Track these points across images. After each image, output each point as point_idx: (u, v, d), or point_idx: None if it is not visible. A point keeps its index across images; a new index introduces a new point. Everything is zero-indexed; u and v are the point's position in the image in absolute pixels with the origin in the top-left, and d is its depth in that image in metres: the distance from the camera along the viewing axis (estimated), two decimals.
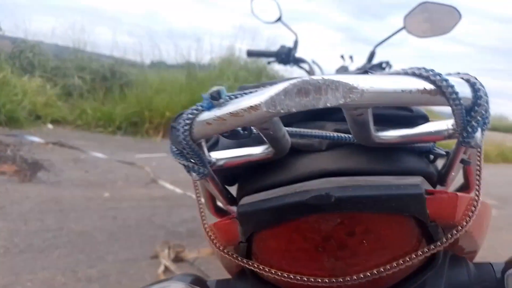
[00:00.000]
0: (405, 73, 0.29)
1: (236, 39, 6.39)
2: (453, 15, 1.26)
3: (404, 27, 1.36)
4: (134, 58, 6.36)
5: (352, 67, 1.54)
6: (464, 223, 0.37)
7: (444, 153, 0.47)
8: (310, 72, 1.60)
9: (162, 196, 2.86)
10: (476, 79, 0.30)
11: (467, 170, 0.52)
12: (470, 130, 0.31)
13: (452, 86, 0.28)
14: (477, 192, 0.38)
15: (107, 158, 3.65)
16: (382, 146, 0.41)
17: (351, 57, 1.60)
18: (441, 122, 0.42)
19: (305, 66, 1.62)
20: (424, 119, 0.44)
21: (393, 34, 1.41)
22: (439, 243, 0.36)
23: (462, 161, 0.45)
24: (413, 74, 0.29)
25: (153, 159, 3.76)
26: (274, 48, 1.69)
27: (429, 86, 0.28)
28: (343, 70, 1.53)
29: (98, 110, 4.95)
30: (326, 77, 0.27)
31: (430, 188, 0.42)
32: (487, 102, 0.30)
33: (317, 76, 0.28)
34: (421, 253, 0.36)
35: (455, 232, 0.36)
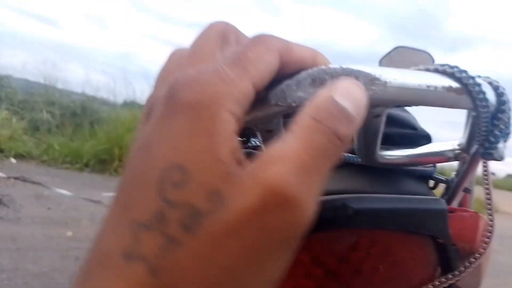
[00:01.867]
0: (427, 69, 0.26)
1: None
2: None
3: None
4: (107, 96, 6.29)
5: None
6: (482, 250, 0.32)
7: (445, 179, 0.45)
8: None
9: None
10: (498, 82, 0.28)
11: (464, 198, 0.50)
12: (492, 139, 0.28)
13: (479, 85, 0.25)
14: (490, 216, 0.35)
15: (72, 195, 3.48)
16: (385, 166, 0.39)
17: None
18: (446, 143, 0.40)
19: None
20: (427, 139, 0.43)
21: None
22: (457, 272, 0.32)
23: (464, 189, 0.43)
24: (437, 71, 0.26)
25: None
26: None
27: (455, 84, 0.25)
28: None
29: (66, 146, 4.79)
30: (345, 66, 0.24)
31: None
32: (510, 109, 0.28)
33: (335, 65, 0.24)
34: (438, 283, 0.32)
35: (474, 260, 0.32)
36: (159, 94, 0.21)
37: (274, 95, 0.24)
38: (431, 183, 0.47)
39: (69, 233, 2.60)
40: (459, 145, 0.39)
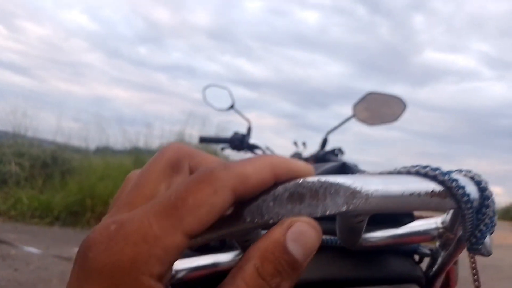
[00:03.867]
0: (408, 172, 0.25)
1: (186, 125, 6.44)
2: (399, 105, 1.33)
3: (353, 115, 1.41)
4: (79, 143, 6.16)
5: (306, 153, 1.56)
6: None
7: (429, 252, 0.43)
8: None
9: None
10: (480, 176, 0.27)
11: (450, 269, 0.49)
12: (479, 235, 0.27)
13: (462, 187, 0.24)
14: None
15: (42, 253, 3.29)
16: (368, 249, 0.38)
17: (304, 144, 1.62)
18: (429, 221, 0.39)
19: (259, 152, 1.61)
20: (409, 216, 0.41)
21: (343, 122, 1.45)
22: None
23: None
24: (418, 174, 0.25)
25: None
26: (224, 134, 1.69)
27: (438, 188, 0.24)
28: (297, 156, 1.53)
29: (35, 199, 4.60)
30: (323, 179, 0.22)
31: None
32: (493, 202, 0.27)
33: (313, 177, 0.22)
34: None
35: None
36: (95, 235, 0.19)
37: (249, 212, 0.22)
38: (416, 257, 0.45)
39: None
40: (442, 223, 0.38)
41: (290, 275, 0.19)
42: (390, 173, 0.25)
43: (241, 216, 0.22)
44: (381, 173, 0.25)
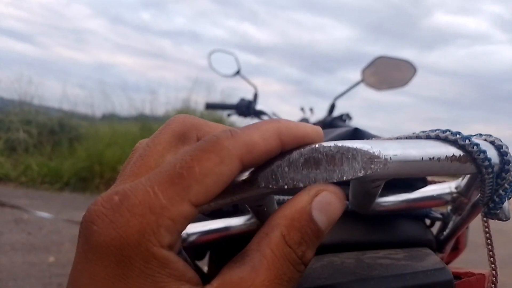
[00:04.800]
0: (428, 136, 0.24)
1: (192, 92, 6.40)
2: (409, 69, 1.30)
3: (362, 80, 1.39)
4: (85, 111, 6.17)
5: (313, 119, 1.55)
6: None
7: (441, 216, 0.44)
8: None
9: None
10: (501, 141, 0.26)
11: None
12: (497, 199, 0.27)
13: (484, 152, 0.24)
14: (494, 272, 0.34)
15: (53, 217, 3.38)
16: (381, 213, 0.38)
17: (311, 110, 1.60)
18: (443, 185, 0.39)
19: (266, 118, 1.60)
20: (422, 181, 0.41)
21: (352, 87, 1.43)
22: None
23: None
24: (438, 138, 0.24)
25: None
26: (230, 100, 1.68)
27: (458, 152, 0.23)
28: (304, 122, 1.52)
29: (45, 166, 4.66)
30: (340, 144, 0.21)
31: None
32: None
33: (329, 142, 0.21)
34: None
35: None
36: (99, 207, 0.18)
37: (263, 177, 0.21)
38: (427, 221, 0.46)
39: (51, 259, 2.51)
40: (456, 188, 0.37)
41: (314, 243, 0.19)
42: (409, 137, 0.25)
43: (255, 182, 0.21)
44: (399, 138, 0.25)
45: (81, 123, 5.77)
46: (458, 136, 0.24)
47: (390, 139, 0.24)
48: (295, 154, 0.21)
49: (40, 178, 4.54)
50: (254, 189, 0.21)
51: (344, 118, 1.42)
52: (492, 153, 0.24)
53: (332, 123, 1.39)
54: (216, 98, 6.23)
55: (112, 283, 0.17)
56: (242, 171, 0.20)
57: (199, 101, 6.36)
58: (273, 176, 0.21)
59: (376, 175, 0.21)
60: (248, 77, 1.66)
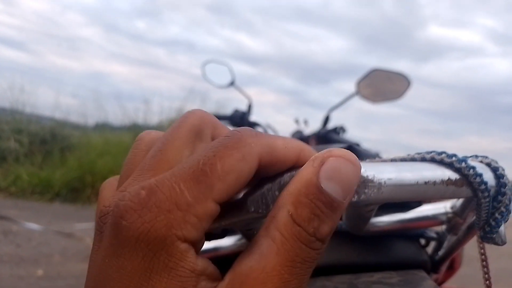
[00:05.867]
0: (423, 159, 0.24)
1: (186, 101, 6.39)
2: (403, 82, 1.30)
3: (357, 93, 1.39)
4: (78, 119, 6.14)
5: (307, 131, 1.54)
6: None
7: (436, 236, 0.43)
8: None
9: None
10: (496, 162, 0.26)
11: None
12: (494, 223, 0.26)
13: (480, 175, 0.23)
14: None
15: (43, 229, 3.32)
16: (375, 234, 0.37)
17: (305, 122, 1.60)
18: (438, 205, 0.38)
19: (260, 130, 1.59)
20: (417, 201, 0.40)
21: (346, 99, 1.43)
22: None
23: None
24: (433, 161, 0.23)
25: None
26: (224, 110, 1.67)
27: (454, 176, 0.23)
28: (298, 134, 1.52)
29: (35, 176, 4.61)
30: None
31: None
32: (510, 190, 0.26)
33: None
34: None
35: None
36: (112, 205, 0.18)
37: (253, 201, 0.21)
38: (422, 240, 0.45)
39: (40, 272, 2.46)
40: (452, 208, 0.37)
41: (330, 216, 0.18)
42: (404, 159, 0.24)
43: (245, 206, 0.21)
44: (393, 160, 0.24)
45: (73, 132, 5.73)
46: (454, 158, 0.23)
47: (385, 160, 0.24)
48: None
49: (31, 188, 4.49)
50: (243, 213, 0.21)
51: (338, 130, 1.42)
52: (488, 176, 0.24)
53: (326, 135, 1.39)
54: (211, 108, 6.23)
55: (138, 276, 0.17)
56: (258, 171, 0.19)
57: None
58: (263, 200, 0.20)
59: (370, 199, 0.20)
60: (243, 88, 1.65)
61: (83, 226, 3.52)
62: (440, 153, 0.23)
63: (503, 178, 0.25)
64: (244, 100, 1.64)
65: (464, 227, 0.36)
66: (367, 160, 0.24)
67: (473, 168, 0.23)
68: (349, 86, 1.41)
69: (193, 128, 0.22)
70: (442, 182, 0.22)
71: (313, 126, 1.55)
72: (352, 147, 0.43)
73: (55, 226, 3.42)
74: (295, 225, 0.18)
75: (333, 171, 0.18)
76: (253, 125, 1.57)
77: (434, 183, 0.22)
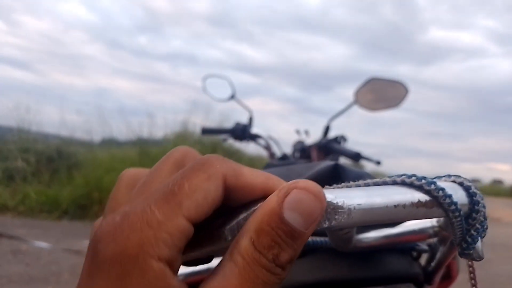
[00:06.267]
0: (394, 182, 0.25)
1: (190, 114, 6.43)
2: (401, 89, 1.31)
3: (355, 102, 1.40)
4: (83, 136, 6.18)
5: (308, 141, 1.55)
6: None
7: (427, 248, 0.43)
8: (267, 148, 1.58)
9: None
10: (469, 181, 0.26)
11: (450, 263, 0.49)
12: (470, 240, 0.27)
13: (450, 196, 0.24)
14: None
15: (52, 247, 3.34)
16: (363, 250, 0.38)
17: (306, 132, 1.61)
18: (425, 220, 0.39)
19: (261, 141, 1.61)
20: None
21: (345, 109, 1.44)
22: None
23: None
24: (404, 184, 0.24)
25: None
26: (228, 122, 1.69)
27: (424, 198, 0.24)
28: (299, 145, 1.52)
29: (43, 194, 4.63)
30: None
31: None
32: (484, 207, 0.27)
33: None
34: None
35: None
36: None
37: (230, 230, 0.22)
38: (414, 253, 0.45)
39: None
40: (438, 221, 0.38)
41: (291, 244, 0.19)
42: (376, 183, 0.25)
43: (222, 235, 0.22)
44: (366, 184, 0.25)
45: (79, 149, 5.77)
46: (423, 181, 0.24)
47: (359, 184, 0.24)
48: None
49: (39, 206, 4.51)
50: (222, 242, 0.22)
51: (339, 140, 1.43)
52: (459, 195, 0.25)
53: (327, 145, 1.39)
54: (214, 120, 6.26)
55: None
56: (226, 194, 0.21)
57: (197, 123, 6.38)
58: (239, 229, 0.21)
59: (341, 225, 0.21)
60: (246, 98, 1.67)
61: None
62: (410, 176, 0.24)
63: (475, 196, 0.26)
64: (251, 109, 1.65)
65: (450, 239, 0.37)
66: (342, 184, 0.25)
67: (443, 189, 0.24)
68: (352, 91, 1.41)
69: (176, 162, 0.24)
70: (412, 204, 0.23)
71: (317, 134, 1.56)
72: (338, 166, 0.44)
73: (64, 243, 3.43)
74: (256, 251, 0.19)
75: (296, 202, 0.19)
76: (255, 137, 1.59)
77: (404, 206, 0.23)
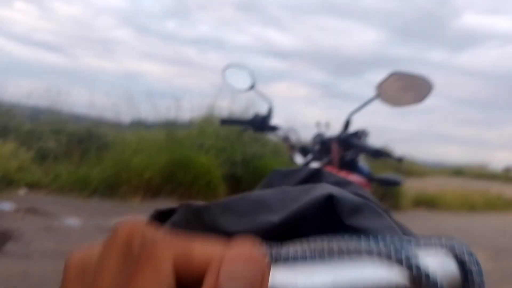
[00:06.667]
0: (368, 251, 0.21)
1: (216, 98, 6.46)
2: (425, 85, 1.28)
3: (377, 96, 1.37)
4: (112, 118, 6.34)
5: (328, 133, 1.54)
6: None
7: None
8: (286, 140, 1.59)
9: None
10: (462, 244, 0.23)
11: None
12: None
13: (428, 276, 0.21)
14: None
15: (82, 224, 3.49)
16: None
17: (327, 125, 1.60)
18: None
19: (280, 133, 1.61)
20: None
21: (367, 102, 1.42)
22: None
23: None
24: (380, 255, 0.21)
25: None
26: (254, 108, 1.66)
27: (401, 278, 0.21)
28: (319, 137, 1.52)
29: (74, 174, 4.82)
30: None
31: None
32: (479, 274, 0.23)
33: None
34: None
35: None
36: None
37: None
38: None
39: None
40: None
41: None
42: (348, 252, 0.21)
43: None
44: (331, 253, 0.21)
45: (109, 131, 5.93)
46: (403, 255, 0.21)
47: (323, 256, 0.21)
48: None
49: (69, 185, 4.70)
50: None
51: (359, 134, 1.41)
52: (447, 267, 0.22)
53: (346, 140, 1.38)
54: (240, 105, 6.26)
55: None
56: (177, 280, 0.19)
57: (223, 107, 6.41)
58: None
59: None
60: (271, 83, 1.73)
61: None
62: (387, 244, 0.21)
63: (466, 265, 0.23)
64: (274, 96, 1.64)
65: None
66: (308, 261, 0.21)
67: (427, 275, 0.21)
68: (382, 76, 1.35)
69: (123, 248, 0.22)
70: (388, 285, 0.20)
71: (341, 122, 1.51)
72: (332, 198, 0.40)
73: (93, 221, 3.58)
74: None
75: (233, 273, 0.18)
76: (274, 129, 1.59)
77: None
